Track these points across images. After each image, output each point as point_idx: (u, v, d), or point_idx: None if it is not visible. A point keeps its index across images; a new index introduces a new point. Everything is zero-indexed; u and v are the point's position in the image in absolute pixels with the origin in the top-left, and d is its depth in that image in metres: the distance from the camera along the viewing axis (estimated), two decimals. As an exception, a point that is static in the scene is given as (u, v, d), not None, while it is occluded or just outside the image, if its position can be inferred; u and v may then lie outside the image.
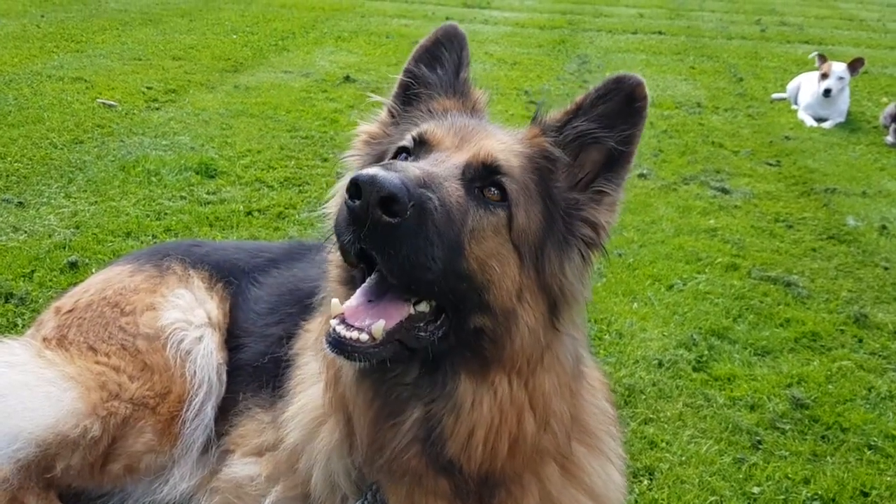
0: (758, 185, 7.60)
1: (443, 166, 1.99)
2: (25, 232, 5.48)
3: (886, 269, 5.89)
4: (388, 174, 1.74)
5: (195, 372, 3.02)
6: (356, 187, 1.73)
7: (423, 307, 1.97)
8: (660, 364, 4.43)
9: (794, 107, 10.54)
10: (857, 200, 7.34)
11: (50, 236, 5.43)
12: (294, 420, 2.55)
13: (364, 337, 1.87)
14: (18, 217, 5.69)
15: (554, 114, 2.19)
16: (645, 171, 7.71)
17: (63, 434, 2.82)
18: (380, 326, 1.87)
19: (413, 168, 1.88)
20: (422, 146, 2.13)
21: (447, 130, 2.15)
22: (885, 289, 5.56)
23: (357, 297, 1.95)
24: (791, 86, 10.90)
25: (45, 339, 3.11)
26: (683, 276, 5.53)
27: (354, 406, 2.15)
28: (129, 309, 3.14)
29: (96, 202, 6.06)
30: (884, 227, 6.66)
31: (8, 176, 6.43)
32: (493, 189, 2.02)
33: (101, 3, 15.11)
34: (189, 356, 3.04)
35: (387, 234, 1.76)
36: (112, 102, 8.63)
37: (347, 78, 10.46)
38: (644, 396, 4.13)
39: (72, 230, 5.55)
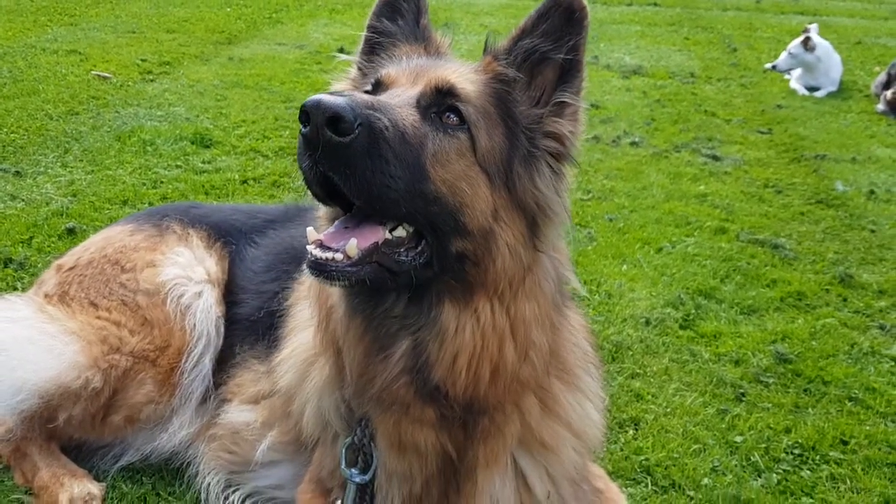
0: (749, 152, 7.68)
1: (396, 98, 2.06)
2: (23, 200, 5.55)
3: (873, 231, 5.98)
4: (334, 97, 1.82)
5: (194, 325, 3.11)
6: (305, 113, 1.80)
7: (401, 232, 2.04)
8: (647, 322, 4.53)
9: (786, 76, 10.59)
10: (847, 166, 7.42)
11: (47, 204, 5.50)
12: (286, 363, 2.64)
13: (339, 256, 1.93)
14: (16, 186, 5.76)
15: (502, 41, 2.25)
16: (637, 140, 7.79)
17: (65, 385, 2.91)
18: (353, 244, 1.93)
19: (362, 95, 1.96)
20: (379, 87, 2.21)
21: (403, 71, 2.23)
22: (871, 250, 5.66)
23: (334, 226, 2.04)
24: (783, 54, 10.94)
25: (46, 296, 3.19)
26: (673, 240, 5.62)
27: (345, 341, 2.22)
28: (130, 266, 3.22)
29: (93, 171, 6.13)
30: (872, 192, 6.75)
31: (4, 146, 6.49)
32: (449, 115, 2.09)
33: (94, -23, 15.06)
34: (189, 310, 3.12)
35: (339, 153, 1.83)
36: (107, 74, 8.67)
37: (342, 50, 10.49)
38: (631, 352, 4.23)
39: (69, 198, 5.62)
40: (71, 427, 3.02)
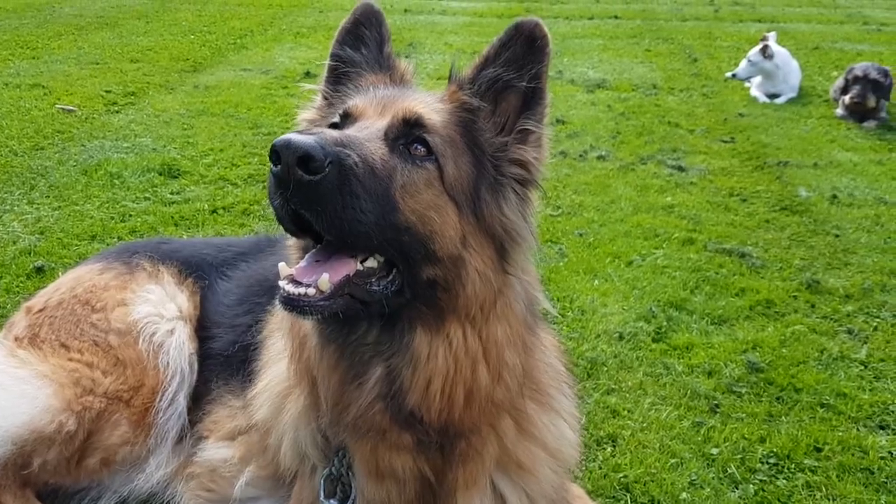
0: (713, 161, 7.79)
1: (365, 131, 2.09)
2: (-10, 239, 5.49)
3: (837, 236, 6.09)
4: (303, 136, 1.85)
5: (168, 363, 3.11)
6: (275, 153, 1.83)
7: (372, 263, 2.07)
8: (620, 337, 4.57)
9: (746, 84, 10.75)
10: (809, 172, 7.55)
11: (14, 243, 5.45)
12: (261, 396, 2.65)
13: (311, 291, 1.96)
14: (-18, 225, 5.70)
15: (467, 70, 2.29)
16: (603, 153, 7.87)
17: (39, 430, 2.88)
18: (325, 279, 1.96)
19: (331, 131, 2.00)
20: (347, 119, 2.24)
21: (370, 102, 2.26)
22: (836, 255, 5.76)
23: (305, 260, 2.06)
24: (743, 62, 11.12)
25: (16, 339, 3.17)
26: (642, 252, 5.69)
27: (319, 370, 2.25)
28: (100, 306, 3.21)
29: (60, 207, 6.08)
30: (834, 197, 6.87)
31: (-31, 185, 6.42)
32: (417, 146, 2.13)
33: (55, 8, 14.99)
34: (161, 348, 3.12)
35: (311, 191, 1.86)
36: (71, 107, 8.61)
37: (308, 73, 10.50)
38: (606, 368, 4.27)
39: (36, 236, 5.57)
40: (46, 472, 2.99)
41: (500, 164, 2.23)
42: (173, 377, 3.12)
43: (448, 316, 2.14)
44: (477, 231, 2.16)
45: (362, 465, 2.34)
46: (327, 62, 2.51)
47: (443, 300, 2.13)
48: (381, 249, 2.04)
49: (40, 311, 3.25)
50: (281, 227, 2.08)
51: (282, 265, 2.05)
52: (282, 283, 1.99)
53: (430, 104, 2.23)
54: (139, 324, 3.14)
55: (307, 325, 2.27)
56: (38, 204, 6.14)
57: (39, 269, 5.05)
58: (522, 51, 2.21)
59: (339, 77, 2.48)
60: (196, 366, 3.21)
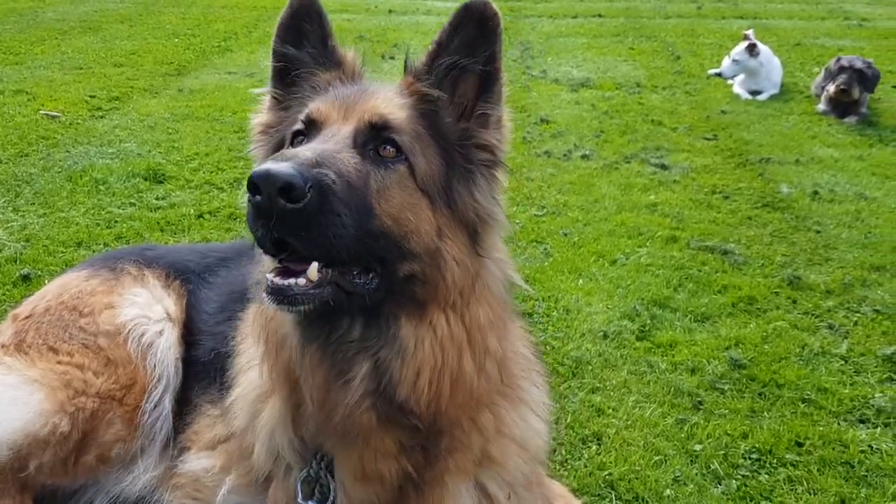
0: (696, 159, 7.85)
1: (333, 140, 2.09)
2: (-25, 248, 5.49)
3: (818, 232, 6.16)
4: (280, 165, 1.84)
5: (155, 365, 3.13)
6: (254, 185, 1.83)
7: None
8: (605, 336, 4.62)
9: (729, 81, 10.83)
10: (791, 168, 7.62)
11: (0, 251, 5.44)
12: (237, 404, 2.65)
13: (301, 280, 1.94)
14: (-33, 233, 5.69)
15: (421, 59, 2.28)
16: (587, 152, 7.93)
17: (33, 434, 2.90)
18: (314, 268, 1.94)
19: (304, 151, 1.99)
20: (312, 125, 2.23)
21: (331, 104, 2.24)
22: (817, 251, 5.83)
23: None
24: (726, 61, 11.19)
25: (3, 346, 3.17)
26: (626, 251, 5.74)
27: (302, 371, 2.22)
28: (88, 311, 3.23)
29: (45, 214, 6.08)
30: (815, 193, 6.95)
31: (-47, 193, 6.41)
32: (386, 147, 2.13)
33: (37, 13, 14.93)
34: (150, 349, 3.14)
35: (294, 219, 1.85)
36: (55, 113, 8.59)
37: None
38: (591, 367, 4.32)
39: (22, 243, 5.57)
40: (43, 474, 3.00)
41: (467, 151, 2.24)
42: (160, 380, 3.13)
43: (430, 305, 2.14)
44: (451, 221, 2.17)
45: (347, 469, 2.34)
46: (271, 63, 2.46)
47: (423, 292, 2.13)
48: (357, 259, 2.03)
49: (27, 318, 3.26)
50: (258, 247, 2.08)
51: (266, 258, 2.05)
52: (269, 276, 1.98)
53: (391, 101, 2.22)
54: (127, 325, 3.16)
55: (286, 325, 2.25)
56: (23, 211, 6.13)
57: (26, 277, 5.05)
58: (474, 33, 2.20)
59: (288, 77, 2.43)
60: (181, 370, 3.23)
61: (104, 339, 3.14)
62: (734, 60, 10.29)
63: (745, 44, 10.38)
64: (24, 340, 3.16)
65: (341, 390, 2.16)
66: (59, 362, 3.08)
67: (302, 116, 2.26)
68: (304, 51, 2.42)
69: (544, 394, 2.66)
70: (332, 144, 2.07)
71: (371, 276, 2.08)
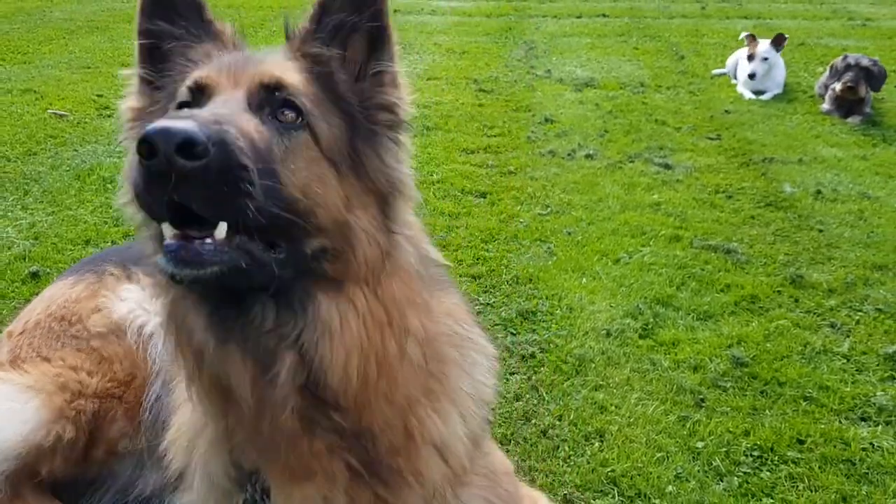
0: (699, 159, 7.88)
1: (226, 105, 1.90)
2: (-16, 245, 5.55)
3: (821, 231, 6.19)
4: (177, 121, 1.67)
5: (155, 358, 3.08)
6: (148, 144, 1.63)
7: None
8: (608, 334, 4.66)
9: (733, 81, 10.86)
10: (794, 168, 7.65)
11: (9, 248, 5.51)
12: (171, 448, 2.48)
13: (209, 240, 1.74)
14: (-24, 231, 5.76)
15: (303, 23, 2.14)
16: (591, 152, 7.96)
17: (37, 444, 2.91)
18: (222, 228, 1.74)
19: (199, 111, 1.83)
20: (200, 94, 2.02)
21: (220, 71, 2.04)
22: (819, 250, 5.86)
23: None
24: (730, 61, 11.23)
25: None
26: (629, 250, 5.78)
27: (231, 375, 2.00)
28: (76, 318, 3.20)
29: (53, 212, 6.14)
30: (819, 192, 6.97)
31: (-37, 191, 6.48)
32: (285, 111, 1.95)
33: (45, 12, 15.00)
34: (151, 340, 3.09)
35: (196, 179, 1.66)
36: (63, 112, 8.66)
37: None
38: (594, 365, 4.36)
39: (31, 241, 5.63)
40: (55, 475, 3.02)
41: (369, 111, 2.08)
42: (158, 375, 3.06)
43: (345, 282, 1.97)
44: (359, 191, 2.01)
45: (280, 485, 2.17)
46: (137, 42, 2.21)
47: (334, 269, 1.95)
48: (265, 230, 1.80)
49: (20, 334, 3.24)
50: (146, 227, 1.95)
51: (165, 226, 1.79)
52: (169, 241, 1.75)
53: (282, 64, 2.06)
54: (125, 320, 3.13)
55: (196, 331, 2.00)
56: (31, 209, 6.20)
57: (34, 275, 5.11)
58: None
59: (159, 54, 2.19)
60: None
61: (97, 341, 3.12)
62: (763, 59, 10.17)
63: (765, 41, 10.34)
64: (19, 356, 3.15)
65: (269, 388, 1.97)
66: (52, 366, 3.07)
67: (189, 83, 2.04)
68: (177, 25, 2.20)
69: (485, 369, 2.46)
70: (227, 108, 1.87)
71: (278, 250, 1.87)
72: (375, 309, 1.99)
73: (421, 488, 2.25)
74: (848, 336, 4.72)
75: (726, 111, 9.59)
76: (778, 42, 10.39)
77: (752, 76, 10.20)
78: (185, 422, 2.41)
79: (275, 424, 2.00)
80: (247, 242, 1.79)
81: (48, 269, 5.17)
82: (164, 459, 2.57)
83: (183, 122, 1.65)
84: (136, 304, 3.18)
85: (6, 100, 9.04)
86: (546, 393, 4.11)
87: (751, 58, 10.25)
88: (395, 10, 11.52)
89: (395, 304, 2.03)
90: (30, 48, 11.85)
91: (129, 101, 2.22)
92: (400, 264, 2.08)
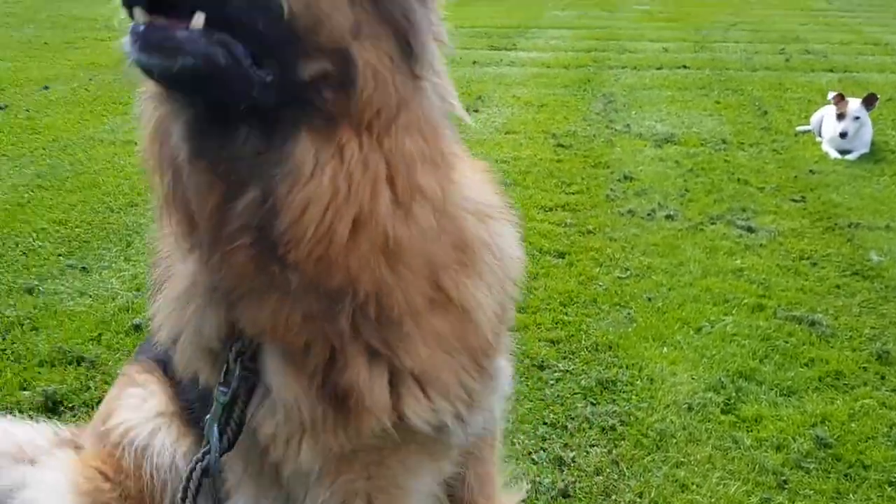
0: (783, 222, 7.82)
1: None
2: (90, 296, 5.90)
3: (910, 303, 6.09)
4: None
5: (152, 473, 2.81)
6: None
7: None
8: (689, 408, 4.68)
9: (818, 139, 10.73)
10: (881, 234, 7.53)
11: (113, 299, 5.84)
12: (160, 315, 2.32)
13: (184, 27, 1.52)
14: (84, 282, 6.13)
15: None
16: (672, 212, 7.99)
17: None
18: (200, 17, 1.52)
19: None
20: None
21: None
22: (907, 324, 5.76)
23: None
24: (815, 117, 11.08)
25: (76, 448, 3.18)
26: (711, 319, 5.78)
27: (193, 196, 1.81)
28: (102, 419, 3.05)
29: (154, 265, 6.46)
30: (907, 261, 6.85)
31: (70, 241, 6.90)
32: None
33: (143, 61, 15.76)
34: (145, 454, 2.82)
35: None
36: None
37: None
38: (675, 440, 4.38)
39: (133, 293, 5.96)
40: None
41: None
42: (165, 488, 2.78)
43: (341, 123, 1.71)
44: (372, 18, 1.72)
45: (250, 322, 1.94)
46: None
47: (332, 102, 1.71)
48: (251, 38, 1.60)
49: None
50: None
51: (136, 9, 1.55)
52: (136, 28, 1.54)
53: None
54: (118, 433, 2.89)
55: (174, 138, 1.83)
56: (133, 261, 6.55)
57: (137, 327, 5.40)
58: None
59: None
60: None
61: (112, 448, 2.92)
62: (855, 118, 10.06)
63: (855, 100, 10.23)
64: (83, 446, 3.13)
65: (226, 221, 1.77)
66: (89, 466, 2.94)
67: None
68: None
69: (512, 240, 2.29)
70: None
71: (266, 71, 1.65)
72: (372, 161, 1.72)
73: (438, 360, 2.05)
74: (937, 418, 4.63)
75: (811, 171, 9.48)
76: (869, 102, 10.25)
77: (843, 135, 10.00)
78: (176, 284, 2.21)
79: (225, 260, 1.80)
80: (229, 39, 1.57)
81: (149, 322, 5.44)
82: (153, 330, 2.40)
83: None
84: (132, 413, 2.91)
85: (109, 151, 9.56)
86: (626, 468, 4.16)
87: (840, 116, 10.12)
88: (474, 62, 11.76)
89: (404, 159, 1.76)
90: (131, 100, 12.35)
91: None
92: (420, 115, 1.82)
